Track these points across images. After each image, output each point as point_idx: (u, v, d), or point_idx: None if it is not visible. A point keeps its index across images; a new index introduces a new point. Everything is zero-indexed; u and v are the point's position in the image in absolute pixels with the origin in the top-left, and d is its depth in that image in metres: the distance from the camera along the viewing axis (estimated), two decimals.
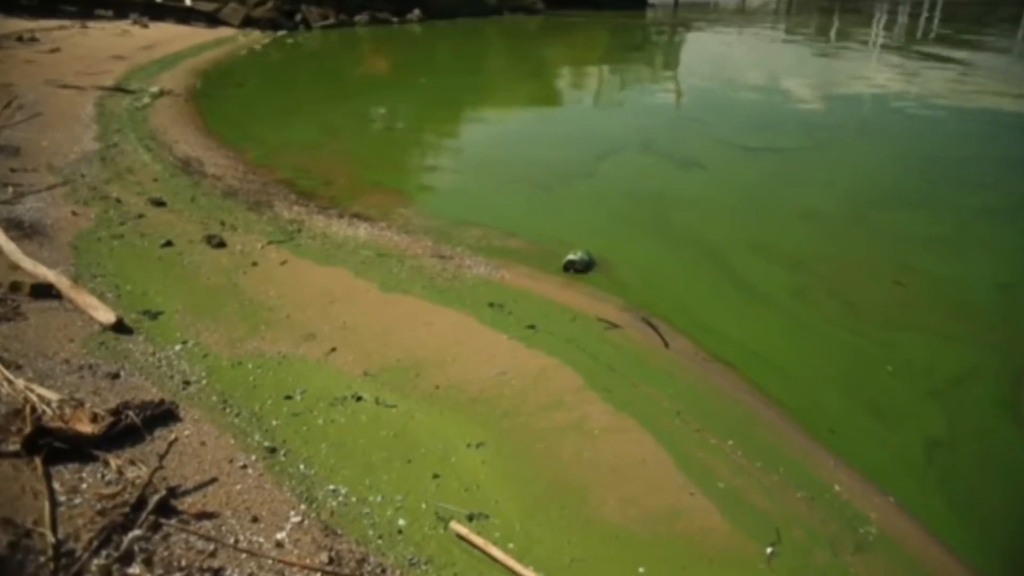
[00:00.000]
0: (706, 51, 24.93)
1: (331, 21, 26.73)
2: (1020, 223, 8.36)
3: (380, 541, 3.62)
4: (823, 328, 6.00)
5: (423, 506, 3.89)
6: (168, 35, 22.05)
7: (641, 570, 3.56)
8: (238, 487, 3.85)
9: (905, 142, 12.25)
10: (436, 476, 4.12)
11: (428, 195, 9.43)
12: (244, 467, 4.02)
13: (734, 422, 4.73)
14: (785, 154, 11.24)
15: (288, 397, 4.76)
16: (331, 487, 3.97)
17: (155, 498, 3.56)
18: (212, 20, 24.85)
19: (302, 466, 4.11)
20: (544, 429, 4.55)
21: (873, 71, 20.28)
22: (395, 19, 28.39)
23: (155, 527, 3.43)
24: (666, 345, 5.61)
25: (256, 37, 23.92)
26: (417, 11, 28.92)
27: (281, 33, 24.95)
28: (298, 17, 26.32)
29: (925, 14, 40.52)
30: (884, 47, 26.33)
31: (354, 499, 3.90)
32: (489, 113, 15.03)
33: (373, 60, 21.26)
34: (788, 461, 4.39)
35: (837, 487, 4.19)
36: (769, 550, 3.70)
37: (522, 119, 14.43)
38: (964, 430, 4.76)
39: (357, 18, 27.57)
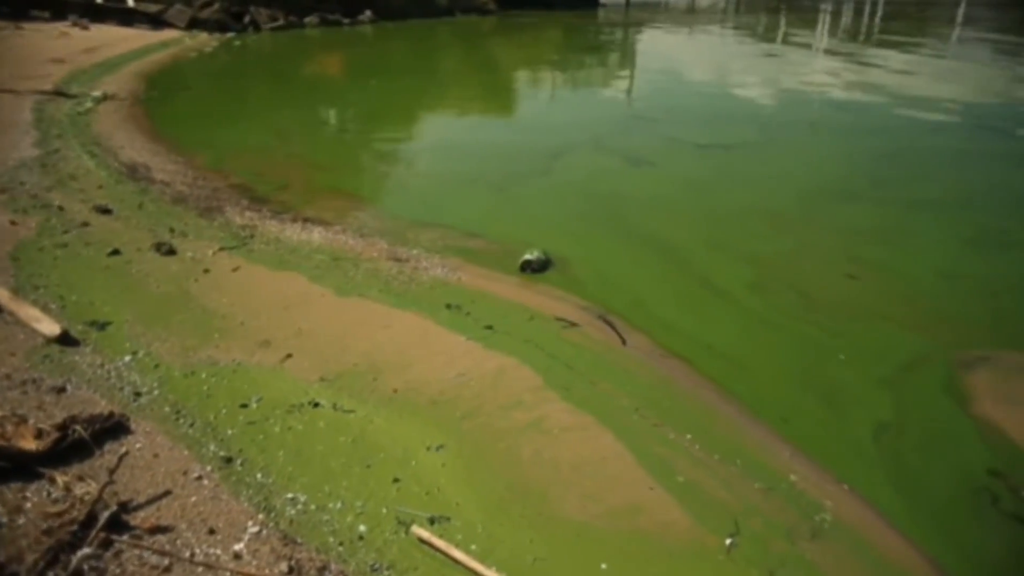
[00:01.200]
0: (657, 50, 25.25)
1: (280, 23, 26.33)
2: (959, 215, 8.65)
3: (341, 548, 3.58)
4: (778, 321, 6.13)
5: (384, 511, 3.86)
6: (110, 37, 21.43)
7: (603, 566, 3.59)
8: (193, 499, 3.77)
9: (851, 137, 12.60)
10: (396, 480, 4.09)
11: (383, 197, 9.36)
12: (199, 478, 3.94)
13: (692, 416, 4.80)
14: (736, 150, 11.44)
15: (244, 405, 4.67)
16: (289, 495, 3.91)
17: (105, 514, 3.45)
18: (156, 22, 24.27)
19: (259, 475, 4.04)
20: (504, 429, 4.56)
21: (819, 68, 20.79)
22: (346, 21, 28.11)
23: (106, 544, 3.33)
24: (624, 342, 5.67)
25: (203, 39, 23.43)
26: (368, 12, 28.68)
27: (229, 35, 24.50)
28: (247, 19, 25.86)
29: (868, 12, 41.69)
30: (829, 45, 27.01)
31: (313, 507, 3.85)
32: (443, 114, 14.98)
33: (324, 62, 21.00)
34: (745, 453, 4.47)
35: (793, 476, 4.28)
36: (728, 541, 3.77)
37: (476, 119, 14.42)
38: (912, 415, 4.91)
39: (307, 20, 27.21)
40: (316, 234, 7.69)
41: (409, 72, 19.61)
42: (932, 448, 4.61)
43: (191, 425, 4.42)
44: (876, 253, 7.46)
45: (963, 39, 28.32)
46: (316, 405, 4.72)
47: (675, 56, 23.41)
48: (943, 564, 3.73)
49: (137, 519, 3.56)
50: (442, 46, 25.44)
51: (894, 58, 22.60)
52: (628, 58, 23.44)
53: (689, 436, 4.58)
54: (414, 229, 7.90)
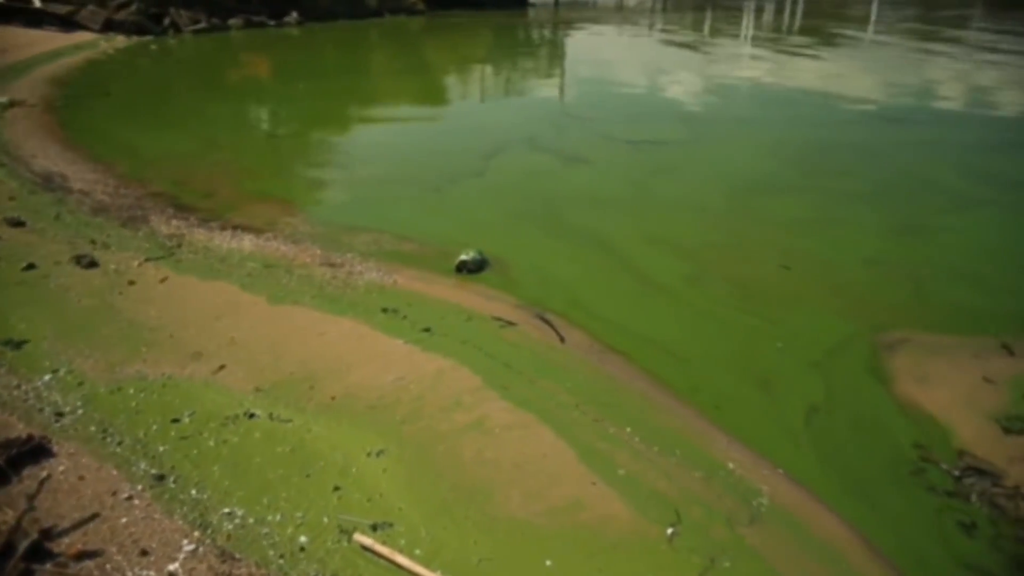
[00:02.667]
0: (587, 49, 25.54)
1: (203, 25, 25.49)
2: (879, 203, 9.04)
3: (281, 561, 3.51)
4: (715, 311, 6.29)
5: (325, 520, 3.81)
6: (16, 40, 20.35)
7: (548, 563, 3.62)
8: (123, 520, 3.64)
9: (776, 132, 13.02)
10: (337, 488, 4.04)
11: (315, 202, 9.20)
12: (129, 498, 3.80)
13: (631, 410, 4.88)
14: (667, 146, 11.68)
15: (175, 420, 4.53)
16: (226, 510, 3.81)
17: (25, 543, 3.30)
18: (67, 24, 23.14)
19: (194, 491, 3.93)
20: (445, 431, 4.55)
21: (745, 65, 21.40)
22: (272, 22, 27.38)
23: (26, 575, 3.18)
24: (562, 340, 5.72)
25: (120, 42, 22.49)
26: (295, 14, 27.99)
27: (148, 38, 23.60)
28: (166, 21, 24.94)
29: (788, 11, 43.15)
30: (754, 42, 27.82)
31: (252, 520, 3.77)
32: (374, 116, 14.81)
33: (251, 65, 20.49)
34: (684, 443, 4.57)
35: (731, 464, 4.40)
36: (670, 531, 3.85)
37: (408, 121, 14.31)
38: (841, 398, 5.11)
39: (231, 21, 26.40)
40: (247, 241, 7.51)
41: (339, 74, 19.32)
42: (859, 428, 4.81)
43: (119, 444, 4.27)
44: (805, 243, 7.73)
45: (876, 36, 29.60)
46: (252, 416, 4.62)
47: (605, 54, 23.73)
48: (872, 538, 3.89)
49: (61, 546, 3.42)
50: (372, 47, 25.13)
51: (814, 55, 23.45)
52: (559, 57, 23.64)
53: (629, 429, 4.66)
54: (348, 233, 7.79)
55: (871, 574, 3.65)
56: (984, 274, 7.10)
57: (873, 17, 38.46)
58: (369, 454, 4.33)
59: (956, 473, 4.35)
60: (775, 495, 4.16)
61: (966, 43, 27.02)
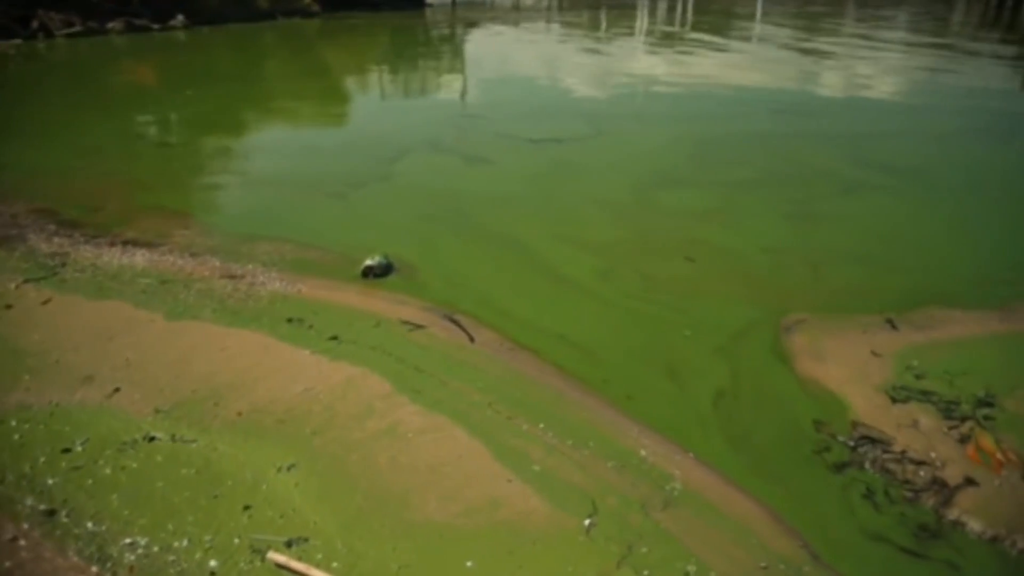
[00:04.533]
0: (486, 49, 25.66)
1: (78, 28, 24.00)
2: (774, 193, 9.51)
3: None
4: (625, 304, 6.43)
5: (236, 541, 3.69)
6: None
7: (469, 564, 3.63)
8: (8, 564, 3.40)
9: (674, 126, 13.47)
10: (247, 507, 3.92)
11: (212, 213, 8.86)
12: (14, 539, 3.56)
13: (543, 405, 4.94)
14: (568, 144, 11.87)
15: (66, 450, 4.28)
16: (127, 540, 3.63)
17: None
18: None
19: (90, 524, 3.72)
20: (357, 440, 4.48)
21: (640, 61, 22.01)
22: (156, 26, 26.04)
23: None
24: (471, 340, 5.74)
25: None
26: (181, 17, 26.77)
27: (15, 42, 22.09)
28: (35, 24, 23.36)
29: (680, 9, 44.70)
30: (648, 39, 28.66)
31: (156, 548, 3.60)
32: (272, 122, 14.38)
33: (136, 71, 19.50)
34: (597, 434, 4.67)
35: (643, 451, 4.52)
36: (587, 522, 3.93)
37: (307, 126, 13.99)
38: (745, 380, 5.34)
39: (110, 25, 24.97)
40: (139, 257, 7.16)
41: (232, 79, 18.65)
42: (763, 407, 5.03)
43: (1, 481, 3.98)
44: (707, 234, 8.02)
45: (763, 32, 31.05)
46: (152, 439, 4.42)
47: (504, 54, 23.91)
48: (781, 513, 4.08)
49: None
50: (266, 51, 24.39)
51: (705, 50, 24.38)
52: (458, 58, 23.64)
53: (542, 425, 4.72)
54: (248, 243, 7.55)
55: (780, 546, 3.83)
56: (872, 255, 7.57)
57: (759, 13, 40.35)
58: (280, 469, 4.22)
59: (852, 443, 4.62)
60: (687, 479, 4.30)
61: (845, 34, 28.77)
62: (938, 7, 46.11)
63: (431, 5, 39.42)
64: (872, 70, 20.09)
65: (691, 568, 3.63)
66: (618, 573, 3.59)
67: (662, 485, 4.23)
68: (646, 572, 3.60)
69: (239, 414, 4.71)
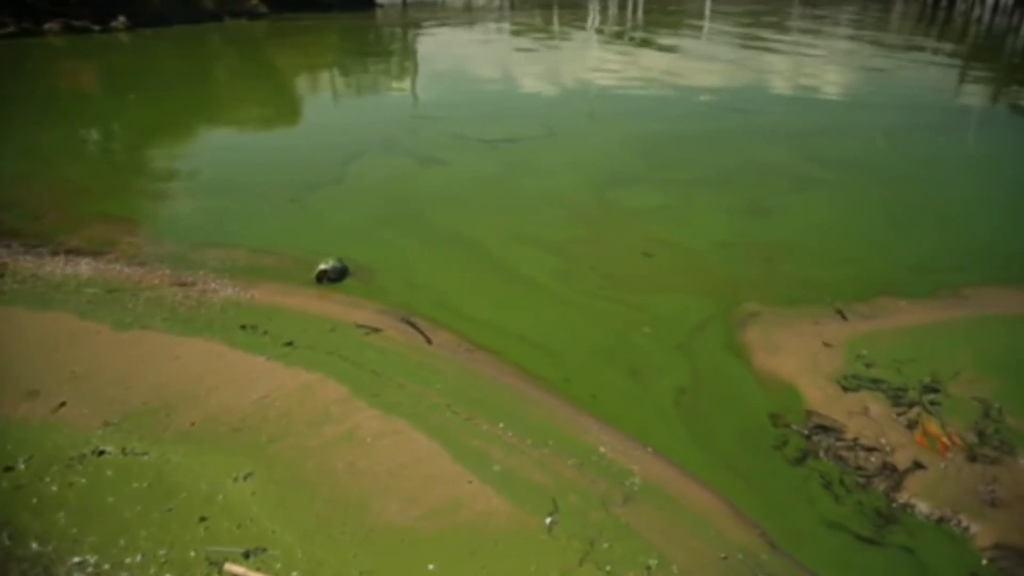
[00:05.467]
0: (438, 49, 25.54)
1: (11, 29, 23.10)
2: (726, 189, 9.67)
3: None
4: (584, 303, 6.46)
5: (192, 554, 3.60)
6: None
7: (431, 567, 3.61)
8: None
9: (626, 124, 13.59)
10: (203, 519, 3.83)
11: (161, 219, 8.62)
12: None
13: (503, 405, 4.94)
14: (522, 143, 11.90)
15: (9, 468, 4.13)
16: (76, 559, 3.52)
17: None
18: None
19: (35, 544, 3.60)
20: (315, 446, 4.42)
21: (592, 61, 22.16)
22: (96, 27, 25.21)
23: None
24: (429, 342, 5.71)
25: None
26: (123, 18, 25.97)
27: None
28: None
29: (631, 8, 45.20)
30: (599, 39, 28.89)
31: (107, 566, 3.50)
32: (222, 126, 14.10)
33: (76, 75, 18.90)
34: (557, 433, 4.68)
35: (602, 448, 4.55)
36: (549, 520, 3.94)
37: (257, 130, 13.74)
38: (703, 372, 5.42)
39: (47, 26, 24.06)
40: (84, 266, 6.94)
41: (178, 82, 18.21)
42: (720, 400, 5.10)
43: None
44: (664, 231, 8.11)
45: (711, 31, 31.57)
46: (101, 453, 4.29)
47: (456, 54, 23.84)
48: (738, 504, 4.15)
49: None
50: (213, 53, 23.87)
51: (655, 49, 24.70)
52: (410, 58, 23.50)
53: (502, 425, 4.71)
54: (199, 250, 7.39)
55: (739, 536, 3.89)
56: (821, 247, 7.76)
57: (708, 11, 41.02)
58: (236, 479, 4.14)
59: (806, 433, 4.72)
60: (646, 473, 4.34)
61: (793, 31, 29.43)
62: (877, 5, 47.54)
63: (381, 6, 39.10)
64: (817, 67, 20.60)
65: (652, 562, 3.67)
66: (581, 570, 3.61)
67: (622, 481, 4.27)
68: (608, 567, 3.62)
69: (192, 424, 4.60)
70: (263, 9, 31.62)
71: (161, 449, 4.36)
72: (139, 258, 7.19)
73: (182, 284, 6.59)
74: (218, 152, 11.91)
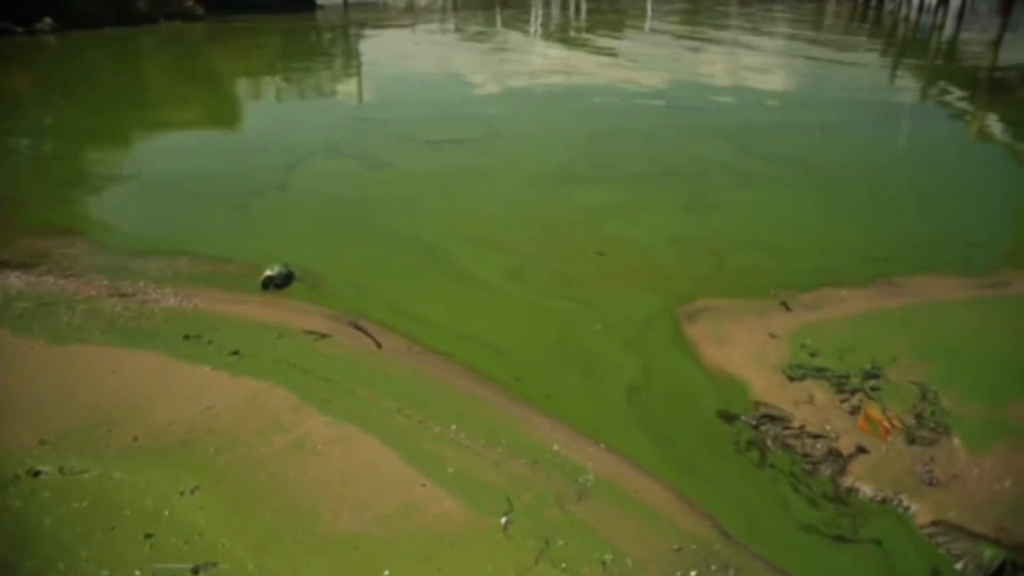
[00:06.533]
0: (381, 50, 25.31)
1: None
2: (673, 186, 9.81)
3: None
4: (535, 302, 6.46)
5: (137, 573, 3.49)
6: None
7: (386, 572, 3.57)
8: None
9: (569, 122, 13.69)
10: (149, 536, 3.72)
11: (98, 229, 8.28)
12: None
13: (455, 407, 4.91)
14: (468, 144, 11.87)
15: None
16: None
17: None
18: None
19: None
20: (264, 456, 4.33)
21: (537, 61, 22.26)
22: (19, 29, 24.07)
23: None
24: (379, 346, 5.65)
25: None
26: (48, 20, 24.85)
27: None
28: None
29: (573, 7, 45.60)
30: (542, 39, 29.05)
31: None
32: (158, 131, 13.66)
33: None
34: (510, 433, 4.67)
35: (556, 446, 4.55)
36: (504, 520, 3.93)
37: (196, 134, 13.40)
38: (652, 366, 5.48)
39: None
40: (13, 279, 6.66)
41: (111, 87, 17.65)
42: (670, 393, 5.17)
43: None
44: (615, 228, 8.18)
45: (653, 29, 32.07)
46: (37, 474, 4.12)
47: (399, 55, 23.66)
48: (691, 495, 4.19)
49: None
50: (148, 56, 23.16)
51: (597, 47, 24.94)
52: (353, 60, 23.24)
53: (454, 427, 4.69)
54: (139, 259, 7.17)
55: (692, 527, 3.94)
56: (766, 240, 7.94)
57: (649, 11, 41.65)
58: (183, 493, 4.02)
59: (754, 423, 4.82)
60: (600, 470, 4.36)
61: (732, 29, 30.08)
62: (810, 4, 48.94)
63: (322, 7, 38.55)
64: (757, 65, 21.09)
65: (608, 557, 3.70)
66: (537, 568, 3.62)
67: (576, 478, 4.28)
68: (564, 564, 3.64)
69: (135, 439, 4.46)
70: (199, 11, 30.76)
71: (102, 466, 4.21)
72: (74, 269, 6.93)
73: (121, 295, 6.38)
74: (157, 159, 11.54)
